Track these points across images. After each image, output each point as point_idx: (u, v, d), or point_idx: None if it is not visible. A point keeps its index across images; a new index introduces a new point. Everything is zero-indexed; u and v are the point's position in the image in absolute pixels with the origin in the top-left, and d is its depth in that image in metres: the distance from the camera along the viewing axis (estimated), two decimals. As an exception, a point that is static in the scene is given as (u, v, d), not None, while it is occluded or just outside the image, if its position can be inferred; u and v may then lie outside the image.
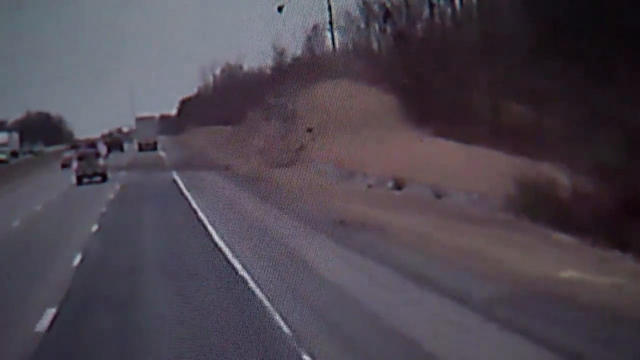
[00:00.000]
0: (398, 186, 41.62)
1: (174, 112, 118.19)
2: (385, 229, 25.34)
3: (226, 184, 45.84)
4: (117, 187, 51.54)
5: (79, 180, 54.69)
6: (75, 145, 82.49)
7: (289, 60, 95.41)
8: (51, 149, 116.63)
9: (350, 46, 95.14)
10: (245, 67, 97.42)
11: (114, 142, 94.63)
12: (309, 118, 72.71)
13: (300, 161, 58.72)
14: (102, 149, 79.59)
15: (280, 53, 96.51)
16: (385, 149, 54.89)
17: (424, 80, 67.07)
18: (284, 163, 59.70)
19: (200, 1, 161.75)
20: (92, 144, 76.95)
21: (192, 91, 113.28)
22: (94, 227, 34.33)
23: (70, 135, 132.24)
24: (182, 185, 46.16)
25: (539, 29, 57.43)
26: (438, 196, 40.15)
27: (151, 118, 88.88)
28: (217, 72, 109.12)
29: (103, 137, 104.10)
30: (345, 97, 72.16)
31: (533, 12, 61.07)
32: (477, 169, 45.63)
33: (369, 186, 44.11)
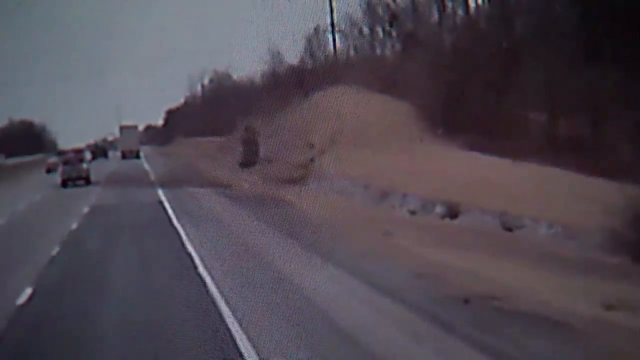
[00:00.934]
0: (452, 213, 29.43)
1: (160, 122, 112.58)
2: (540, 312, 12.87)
3: (227, 208, 33.34)
4: (84, 212, 37.85)
5: (64, 183, 54.84)
6: (61, 152, 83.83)
7: (286, 65, 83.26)
8: (29, 158, 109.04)
9: (352, 51, 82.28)
10: (235, 76, 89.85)
11: (99, 150, 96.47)
12: (315, 127, 60.77)
13: (313, 177, 46.59)
14: (88, 156, 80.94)
15: (277, 58, 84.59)
16: (416, 163, 42.69)
17: (449, 87, 54.91)
18: (293, 179, 47.55)
19: (189, 8, 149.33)
20: (78, 152, 77.64)
21: (179, 101, 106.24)
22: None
23: (53, 144, 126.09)
24: (170, 211, 33.43)
25: (590, 26, 44.84)
26: (508, 229, 28.27)
27: (134, 127, 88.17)
28: (206, 81, 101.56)
29: (89, 146, 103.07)
30: (354, 105, 60.41)
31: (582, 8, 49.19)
32: (544, 191, 33.65)
33: (412, 212, 32.14)
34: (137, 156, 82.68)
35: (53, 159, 78.44)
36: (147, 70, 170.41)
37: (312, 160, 51.04)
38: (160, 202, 35.34)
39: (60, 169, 58.55)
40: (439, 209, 32.40)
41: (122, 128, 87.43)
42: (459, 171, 39.27)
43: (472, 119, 52.50)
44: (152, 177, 51.89)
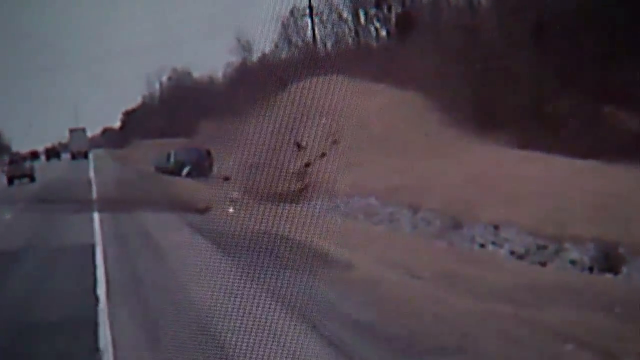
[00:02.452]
0: (611, 264, 13.22)
1: (118, 124, 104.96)
2: None
3: (213, 270, 15.84)
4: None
5: (10, 181, 52.65)
6: (15, 154, 77.44)
7: (258, 55, 67.12)
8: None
9: (333, 37, 65.75)
10: (197, 73, 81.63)
11: (52, 152, 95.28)
12: (302, 124, 44.68)
13: (315, 190, 30.97)
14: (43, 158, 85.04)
15: (247, 47, 68.42)
16: (471, 169, 26.92)
17: (479, 74, 41.35)
18: (288, 194, 32.18)
19: (143, 1, 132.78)
20: (34, 154, 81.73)
21: (136, 102, 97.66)
22: None
23: (7, 148, 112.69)
24: (101, 282, 15.32)
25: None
26: None
27: (82, 129, 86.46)
28: (164, 79, 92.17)
29: (46, 149, 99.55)
30: (349, 97, 45.65)
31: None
32: None
33: (520, 256, 16.08)
34: (86, 156, 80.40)
35: (3, 161, 73.97)
36: (104, 71, 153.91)
37: (307, 165, 34.83)
38: (92, 248, 18.34)
39: (6, 168, 57.29)
40: (576, 253, 16.46)
41: (71, 131, 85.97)
42: (555, 181, 23.52)
43: (514, 111, 37.33)
44: (94, 191, 35.21)
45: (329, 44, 65.57)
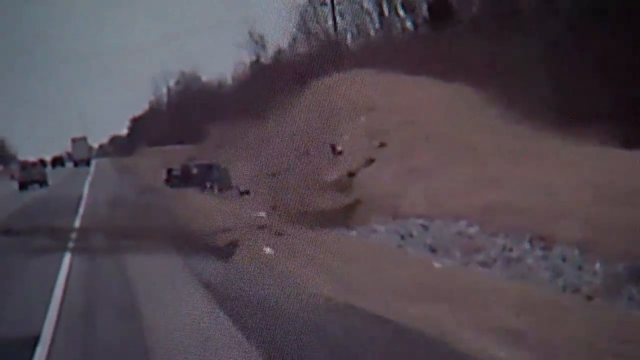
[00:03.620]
0: None
1: (125, 132, 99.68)
2: None
3: None
4: None
5: (21, 186, 50.30)
6: (24, 163, 78.70)
7: (273, 50, 58.06)
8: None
9: (354, 29, 56.60)
10: (205, 77, 73.40)
11: (57, 160, 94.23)
12: (331, 125, 35.22)
13: (372, 210, 21.41)
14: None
15: (260, 43, 59.32)
16: (594, 179, 16.83)
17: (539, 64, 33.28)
18: (329, 213, 22.45)
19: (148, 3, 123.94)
20: (42, 162, 76.01)
21: (144, 108, 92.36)
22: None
23: (13, 158, 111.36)
24: None
25: None
26: None
27: (84, 139, 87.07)
28: (172, 83, 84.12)
29: (53, 157, 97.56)
30: (386, 92, 38.09)
31: None
32: None
33: None
34: (88, 164, 79.82)
35: (14, 169, 77.87)
36: (111, 77, 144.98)
37: (351, 174, 25.56)
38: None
39: (18, 174, 56.44)
40: None
41: (73, 140, 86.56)
42: None
43: (607, 104, 28.90)
44: (80, 215, 25.74)
45: (350, 36, 56.25)
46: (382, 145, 29.88)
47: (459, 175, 23.75)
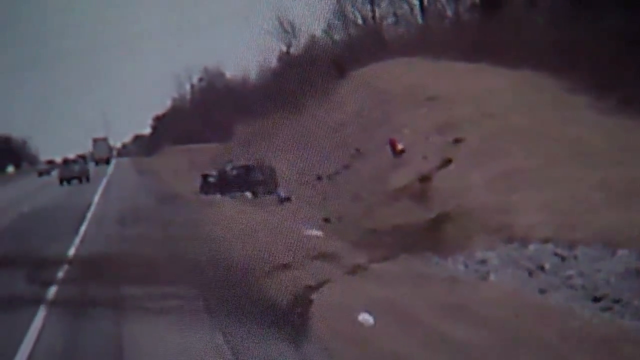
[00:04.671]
0: None
1: (148, 131, 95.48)
2: None
3: None
4: None
5: (61, 181, 49.25)
6: (50, 162, 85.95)
7: (305, 38, 51.72)
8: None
9: (392, 15, 49.97)
10: (229, 73, 67.74)
11: (69, 160, 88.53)
12: (387, 120, 28.59)
13: (468, 227, 13.97)
14: None
15: (291, 31, 52.97)
16: None
17: None
18: (408, 231, 15.31)
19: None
20: (83, 158, 76.73)
21: (166, 105, 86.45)
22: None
23: (34, 157, 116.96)
24: None
25: None
26: None
27: (104, 139, 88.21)
28: (195, 80, 78.61)
29: (77, 156, 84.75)
30: (442, 81, 32.22)
31: None
32: None
33: None
34: (108, 162, 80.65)
35: (44, 167, 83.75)
36: (133, 75, 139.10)
37: (425, 179, 18.67)
38: None
39: (58, 169, 56.38)
40: None
41: (94, 141, 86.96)
42: None
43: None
44: (77, 240, 18.91)
45: (392, 21, 49.50)
46: (457, 141, 23.19)
47: (581, 181, 17.00)
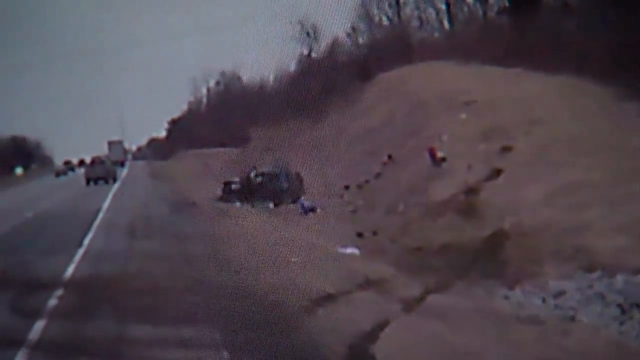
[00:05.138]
0: None
1: (163, 134, 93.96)
2: None
3: None
4: None
5: (87, 182, 48.00)
6: (67, 162, 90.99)
7: (328, 41, 49.36)
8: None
9: (417, 19, 47.34)
10: (246, 76, 64.88)
11: (95, 161, 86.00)
12: (421, 126, 25.71)
13: (532, 248, 11.26)
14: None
15: (313, 35, 50.55)
16: None
17: None
18: (460, 251, 12.29)
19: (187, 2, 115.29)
20: (82, 162, 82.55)
21: (182, 109, 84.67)
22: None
23: (48, 159, 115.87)
24: None
25: None
26: None
27: (119, 142, 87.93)
28: (211, 83, 75.25)
29: (93, 158, 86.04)
30: (479, 86, 29.32)
31: None
32: None
33: None
34: (122, 165, 78.45)
35: (60, 167, 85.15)
36: (150, 78, 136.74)
37: (470, 191, 15.81)
38: None
39: (84, 169, 54.82)
40: None
41: (109, 143, 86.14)
42: None
43: None
44: (78, 256, 16.10)
45: (419, 24, 46.77)
46: (506, 149, 20.50)
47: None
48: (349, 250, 16.28)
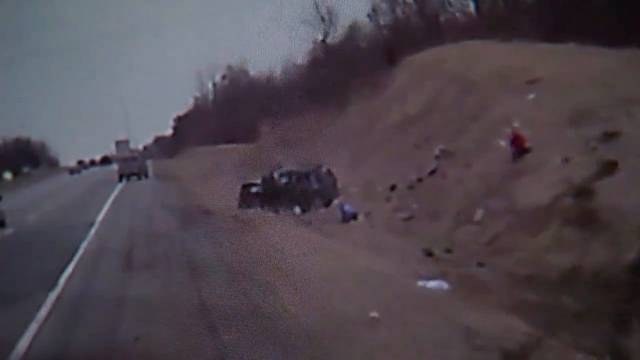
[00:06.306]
0: None
1: (170, 132, 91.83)
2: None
3: None
4: None
5: (120, 178, 46.89)
6: (80, 162, 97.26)
7: (343, 27, 44.77)
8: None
9: None
10: (254, 69, 61.34)
11: (106, 160, 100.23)
12: (476, 111, 19.68)
13: None
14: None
15: (329, 19, 46.16)
16: None
17: None
18: (618, 298, 6.70)
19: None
20: (92, 162, 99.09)
21: (189, 105, 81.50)
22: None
23: (53, 159, 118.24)
24: None
25: None
26: None
27: (126, 141, 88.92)
28: (217, 78, 71.48)
29: (102, 157, 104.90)
30: (534, 64, 23.73)
31: None
32: None
33: None
34: None
35: (73, 165, 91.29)
36: (155, 74, 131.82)
37: (580, 192, 10.14)
38: None
39: (118, 165, 52.33)
40: None
41: (117, 143, 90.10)
42: None
43: None
44: (38, 319, 10.60)
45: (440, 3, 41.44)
46: (610, 136, 15.16)
47: None
48: (433, 284, 11.07)
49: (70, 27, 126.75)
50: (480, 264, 13.11)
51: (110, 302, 10.19)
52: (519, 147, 16.99)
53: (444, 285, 11.23)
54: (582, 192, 13.74)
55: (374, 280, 11.42)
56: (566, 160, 15.54)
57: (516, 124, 19.02)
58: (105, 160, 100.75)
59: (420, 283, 11.40)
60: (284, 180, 23.70)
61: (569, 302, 10.12)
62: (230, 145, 53.30)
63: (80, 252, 15.42)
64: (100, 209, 25.31)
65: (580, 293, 10.48)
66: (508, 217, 14.62)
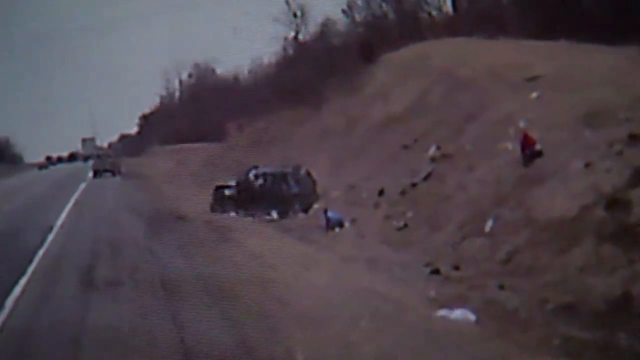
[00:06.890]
0: None
1: (135, 130, 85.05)
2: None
3: None
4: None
5: (95, 174, 48.04)
6: (49, 158, 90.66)
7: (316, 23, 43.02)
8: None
9: None
10: (222, 68, 56.70)
11: (72, 157, 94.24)
12: (472, 113, 17.62)
13: None
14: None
15: (300, 15, 43.99)
16: None
17: None
18: None
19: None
20: (59, 159, 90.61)
21: (155, 103, 75.39)
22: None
23: (18, 157, 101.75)
24: None
25: None
26: None
27: (92, 138, 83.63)
28: (184, 76, 65.43)
29: (70, 154, 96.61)
30: (530, 62, 21.88)
31: None
32: None
33: None
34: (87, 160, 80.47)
35: (42, 161, 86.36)
36: (120, 71, 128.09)
37: (612, 203, 8.22)
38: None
39: (92, 162, 54.13)
40: None
41: (83, 140, 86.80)
42: None
43: None
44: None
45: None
46: (635, 138, 13.30)
47: None
48: (457, 314, 8.98)
49: (34, 22, 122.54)
50: (502, 287, 11.09)
51: (65, 335, 7.93)
52: (529, 149, 15.04)
53: (470, 316, 9.16)
54: (616, 202, 11.82)
55: (384, 309, 9.35)
56: (587, 165, 13.62)
57: (522, 124, 17.13)
58: (72, 157, 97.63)
59: (441, 312, 9.32)
60: (259, 181, 21.57)
61: (628, 342, 8.13)
62: (197, 144, 51.00)
63: (34, 264, 13.09)
64: (63, 207, 22.91)
65: (638, 328, 8.50)
66: (526, 229, 12.66)
